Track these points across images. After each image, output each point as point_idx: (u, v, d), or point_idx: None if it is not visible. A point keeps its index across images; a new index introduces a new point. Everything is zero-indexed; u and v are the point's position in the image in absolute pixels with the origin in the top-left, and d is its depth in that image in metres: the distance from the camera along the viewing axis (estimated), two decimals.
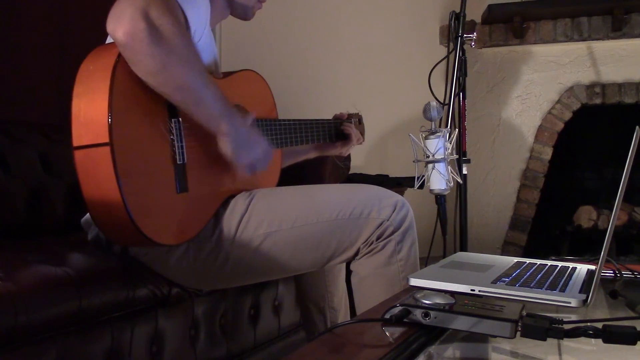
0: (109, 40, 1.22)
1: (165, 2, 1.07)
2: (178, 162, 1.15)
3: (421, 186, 1.52)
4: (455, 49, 2.07)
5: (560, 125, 3.02)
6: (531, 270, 1.09)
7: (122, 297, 1.17)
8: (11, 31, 1.96)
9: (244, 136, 1.22)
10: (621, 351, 0.71)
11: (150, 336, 1.26)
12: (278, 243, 1.26)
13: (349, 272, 1.35)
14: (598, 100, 2.97)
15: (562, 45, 2.99)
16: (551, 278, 1.01)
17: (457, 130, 1.94)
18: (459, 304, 0.79)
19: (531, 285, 0.93)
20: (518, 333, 0.72)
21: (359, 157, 3.00)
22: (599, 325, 0.70)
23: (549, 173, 3.03)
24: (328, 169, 2.02)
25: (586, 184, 3.22)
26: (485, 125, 3.11)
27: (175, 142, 1.15)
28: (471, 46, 2.69)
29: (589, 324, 0.71)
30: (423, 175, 1.51)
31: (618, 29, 2.87)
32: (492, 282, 0.94)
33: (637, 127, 0.86)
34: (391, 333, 0.76)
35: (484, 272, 1.05)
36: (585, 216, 3.06)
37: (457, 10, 2.09)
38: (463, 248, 2.10)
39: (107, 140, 1.03)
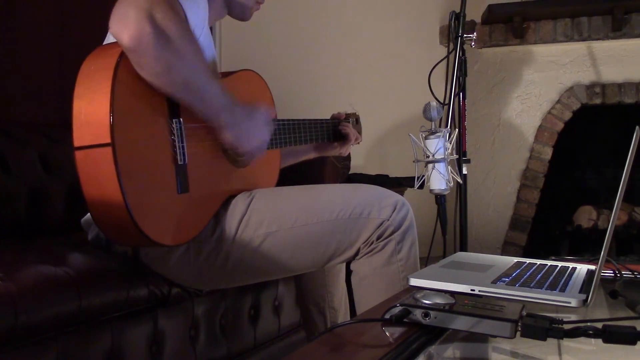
0: (108, 39, 1.22)
1: (168, 1, 1.06)
2: (179, 163, 1.15)
3: (421, 186, 1.52)
4: (455, 49, 2.07)
5: (560, 125, 3.02)
6: (531, 270, 1.09)
7: (122, 297, 1.17)
8: (11, 31, 1.96)
9: (245, 126, 1.22)
10: (621, 351, 0.71)
11: (150, 336, 1.26)
12: (278, 243, 1.26)
13: (349, 272, 1.35)
14: (598, 100, 2.97)
15: (562, 45, 2.99)
16: (551, 278, 1.01)
17: (457, 130, 1.94)
18: (459, 304, 0.79)
19: (531, 285, 0.93)
20: (518, 333, 0.72)
21: (359, 157, 3.00)
22: (599, 325, 0.70)
23: (549, 173, 3.03)
24: (328, 170, 2.02)
25: (586, 184, 3.22)
26: (485, 125, 3.11)
27: (177, 142, 1.15)
28: (471, 46, 2.69)
29: (589, 324, 0.71)
30: (423, 175, 1.51)
31: (618, 29, 2.87)
32: (492, 282, 0.94)
33: (637, 127, 0.86)
34: (391, 333, 0.76)
35: (484, 272, 1.05)
36: (585, 216, 3.06)
37: (457, 10, 2.09)
38: (463, 248, 2.11)
39: (108, 140, 1.03)
